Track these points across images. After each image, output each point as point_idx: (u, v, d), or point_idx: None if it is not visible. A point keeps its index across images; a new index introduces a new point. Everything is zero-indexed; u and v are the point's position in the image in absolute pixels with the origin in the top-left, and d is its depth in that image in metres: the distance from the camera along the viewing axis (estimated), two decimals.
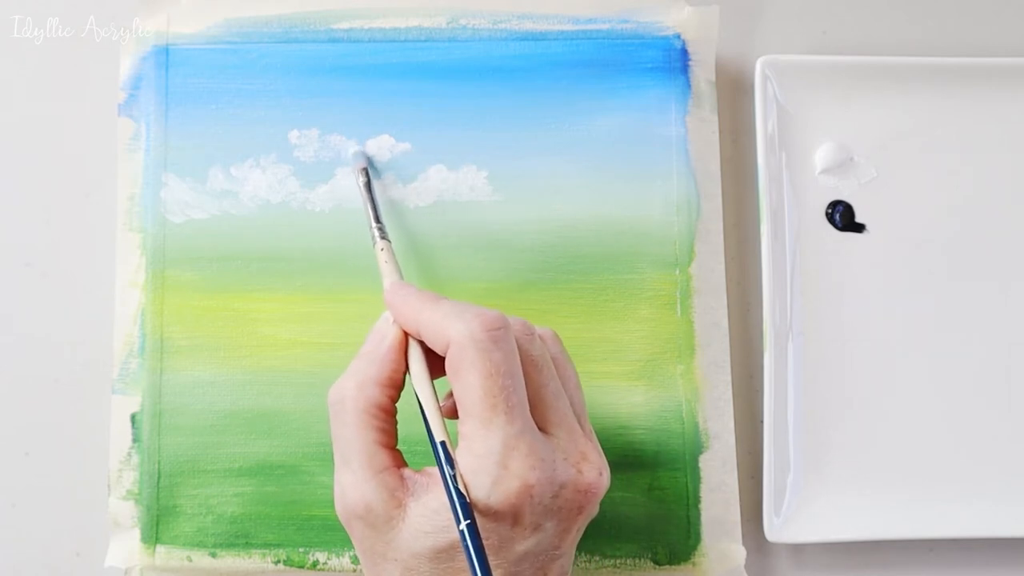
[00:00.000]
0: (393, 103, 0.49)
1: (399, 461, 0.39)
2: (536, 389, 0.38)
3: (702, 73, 0.50)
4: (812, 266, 0.49)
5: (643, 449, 0.48)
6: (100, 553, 0.48)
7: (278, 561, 0.47)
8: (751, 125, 0.50)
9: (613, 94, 0.50)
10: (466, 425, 0.37)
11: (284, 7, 0.50)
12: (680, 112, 0.50)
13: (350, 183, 0.49)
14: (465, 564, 0.36)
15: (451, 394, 0.39)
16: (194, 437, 0.47)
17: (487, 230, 0.49)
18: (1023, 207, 0.50)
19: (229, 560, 0.47)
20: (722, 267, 0.49)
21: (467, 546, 0.34)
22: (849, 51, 0.52)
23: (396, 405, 0.39)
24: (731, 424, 0.48)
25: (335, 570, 0.47)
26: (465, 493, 0.36)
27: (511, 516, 0.36)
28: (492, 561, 0.37)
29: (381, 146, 0.49)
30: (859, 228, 0.50)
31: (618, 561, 0.47)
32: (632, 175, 0.49)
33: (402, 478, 0.38)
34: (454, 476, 0.36)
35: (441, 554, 0.37)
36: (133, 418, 0.47)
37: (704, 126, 0.50)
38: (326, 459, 0.46)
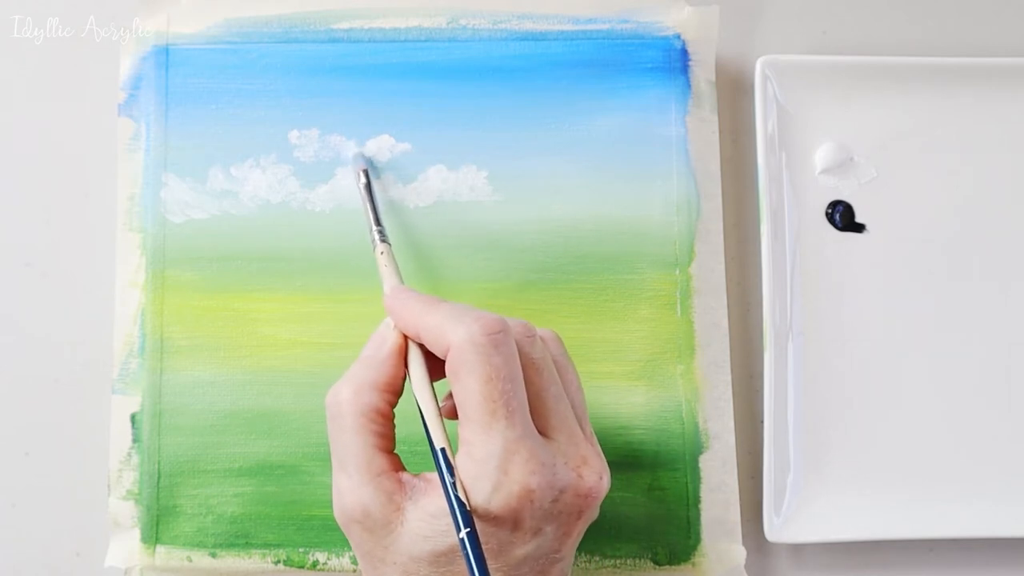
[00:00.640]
0: (393, 103, 0.49)
1: (397, 465, 0.39)
2: (537, 392, 0.38)
3: (702, 73, 0.50)
4: (812, 266, 0.49)
5: (643, 449, 0.48)
6: (100, 553, 0.48)
7: (278, 561, 0.47)
8: (751, 125, 0.50)
9: (613, 94, 0.50)
10: (466, 429, 0.37)
11: (284, 7, 0.50)
12: (680, 112, 0.49)
13: (350, 183, 0.49)
14: (464, 567, 0.36)
15: (451, 394, 0.38)
16: (194, 437, 0.47)
17: (487, 230, 0.49)
18: (1023, 207, 0.50)
19: (229, 560, 0.47)
20: (722, 267, 0.49)
21: (467, 554, 0.34)
22: (849, 51, 0.52)
23: (394, 410, 0.39)
24: (731, 424, 0.48)
25: (335, 570, 0.47)
26: (465, 501, 0.36)
27: (511, 521, 0.36)
28: (492, 565, 0.37)
29: (381, 146, 0.49)
30: (859, 228, 0.50)
31: (618, 561, 0.47)
32: (632, 175, 0.49)
33: (400, 482, 0.38)
34: (454, 484, 0.36)
35: (440, 558, 0.37)
36: (133, 418, 0.47)
37: (704, 126, 0.50)
38: (326, 459, 0.46)
